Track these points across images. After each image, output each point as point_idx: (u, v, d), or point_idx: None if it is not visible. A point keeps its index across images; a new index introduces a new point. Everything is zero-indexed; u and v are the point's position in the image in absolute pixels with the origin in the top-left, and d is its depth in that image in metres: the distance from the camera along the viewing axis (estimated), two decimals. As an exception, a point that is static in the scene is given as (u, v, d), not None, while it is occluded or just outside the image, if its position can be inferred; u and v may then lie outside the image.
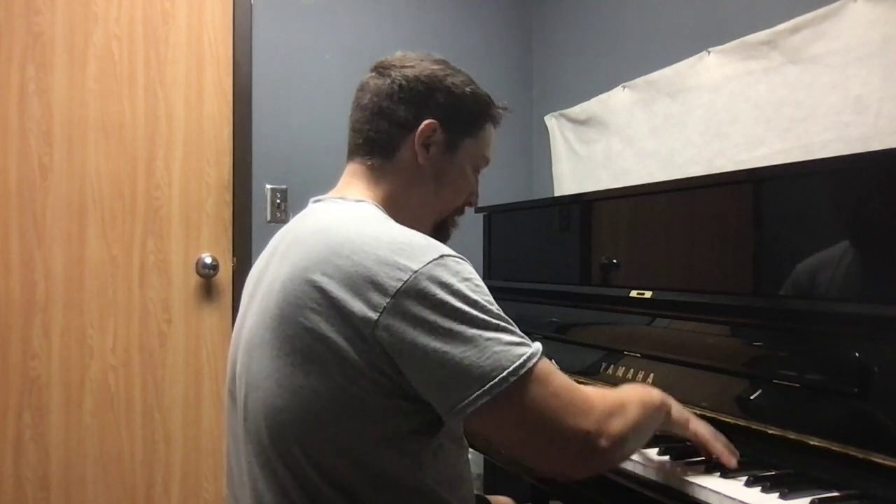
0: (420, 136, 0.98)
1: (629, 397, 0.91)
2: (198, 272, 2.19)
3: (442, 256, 0.83)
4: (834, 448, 0.96)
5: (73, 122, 2.06)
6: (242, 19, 2.25)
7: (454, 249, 0.88)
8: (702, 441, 1.03)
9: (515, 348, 0.81)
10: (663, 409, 0.99)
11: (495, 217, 2.13)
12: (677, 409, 1.02)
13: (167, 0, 2.16)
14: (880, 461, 0.91)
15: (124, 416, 2.10)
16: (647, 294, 1.44)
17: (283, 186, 2.29)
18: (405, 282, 0.80)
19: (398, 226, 0.90)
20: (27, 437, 1.99)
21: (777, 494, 0.92)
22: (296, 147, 2.33)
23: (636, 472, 1.09)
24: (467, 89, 1.02)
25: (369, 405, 0.83)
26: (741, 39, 1.85)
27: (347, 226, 0.89)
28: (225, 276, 2.23)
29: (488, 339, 0.80)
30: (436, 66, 1.02)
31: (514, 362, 0.79)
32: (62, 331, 2.03)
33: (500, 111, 1.08)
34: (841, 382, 1.00)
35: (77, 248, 2.06)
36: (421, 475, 0.87)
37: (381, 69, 1.02)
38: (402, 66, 1.00)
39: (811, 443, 0.99)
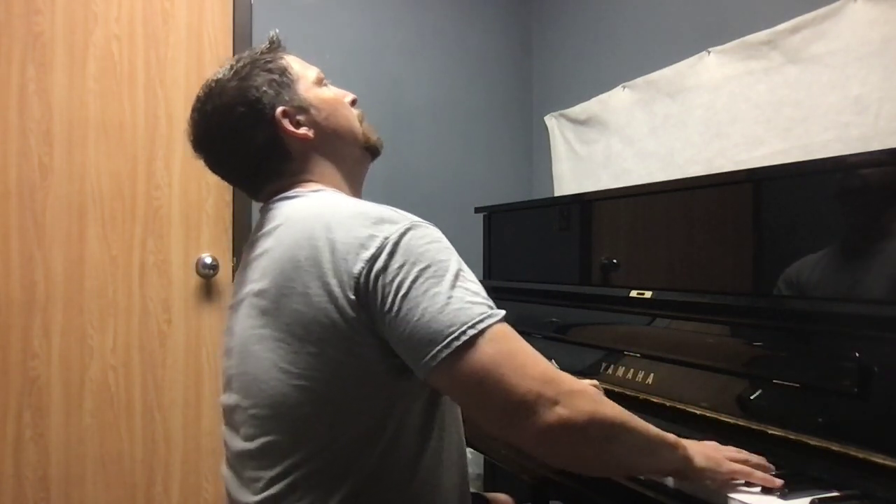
0: (287, 128, 1.01)
1: (621, 408, 0.85)
2: (198, 272, 2.19)
3: (412, 223, 0.88)
4: (834, 448, 0.96)
5: (73, 122, 2.05)
6: (242, 19, 2.25)
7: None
8: (743, 479, 0.95)
9: (476, 307, 0.82)
10: (675, 453, 0.90)
11: (495, 217, 2.13)
12: (704, 457, 0.93)
13: (167, 0, 2.16)
14: (880, 461, 0.91)
15: (124, 416, 2.10)
16: (647, 294, 1.44)
17: (283, 186, 2.28)
18: (378, 247, 0.85)
19: (366, 202, 0.94)
20: (27, 437, 1.99)
21: (777, 494, 0.92)
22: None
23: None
24: (247, 69, 1.02)
25: (371, 373, 0.87)
26: (741, 39, 1.85)
27: (320, 210, 0.93)
28: (225, 276, 2.23)
29: (449, 296, 0.82)
30: (223, 83, 1.02)
31: (472, 318, 0.81)
32: (62, 331, 2.03)
33: (272, 42, 1.08)
34: (841, 382, 1.00)
35: (77, 248, 2.06)
36: (420, 439, 0.92)
37: (200, 137, 1.05)
38: (211, 116, 1.02)
39: (811, 443, 0.99)
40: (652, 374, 1.32)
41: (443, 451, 0.96)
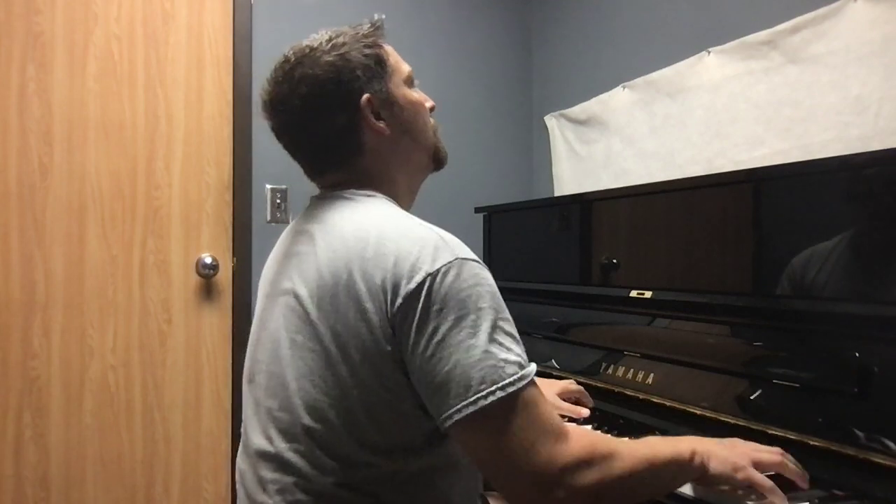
0: (368, 117, 0.98)
1: (626, 450, 0.84)
2: (198, 272, 2.19)
3: (457, 259, 0.84)
4: (834, 448, 0.96)
5: (73, 122, 2.05)
6: (242, 19, 2.25)
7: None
8: (761, 489, 0.89)
9: (509, 366, 0.80)
10: (690, 466, 0.88)
11: (495, 217, 2.13)
12: (720, 462, 0.90)
13: (167, 0, 2.16)
14: (880, 461, 0.91)
15: (124, 416, 2.10)
16: (647, 294, 1.45)
17: (283, 186, 2.28)
18: (419, 283, 0.82)
19: (415, 221, 0.91)
20: (27, 437, 1.99)
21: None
22: (296, 147, 2.32)
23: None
24: (346, 48, 0.99)
25: (398, 403, 0.86)
26: (741, 39, 1.85)
27: (366, 226, 0.90)
28: (225, 276, 2.23)
29: (486, 350, 0.80)
30: (318, 53, 0.99)
31: (504, 379, 0.79)
32: (62, 331, 2.03)
33: (375, 27, 1.05)
34: (841, 382, 1.00)
35: (77, 248, 2.06)
36: (440, 459, 0.91)
37: (278, 99, 1.00)
38: (297, 83, 0.98)
39: (811, 443, 1.00)
40: (652, 374, 1.32)
41: (458, 464, 0.94)
